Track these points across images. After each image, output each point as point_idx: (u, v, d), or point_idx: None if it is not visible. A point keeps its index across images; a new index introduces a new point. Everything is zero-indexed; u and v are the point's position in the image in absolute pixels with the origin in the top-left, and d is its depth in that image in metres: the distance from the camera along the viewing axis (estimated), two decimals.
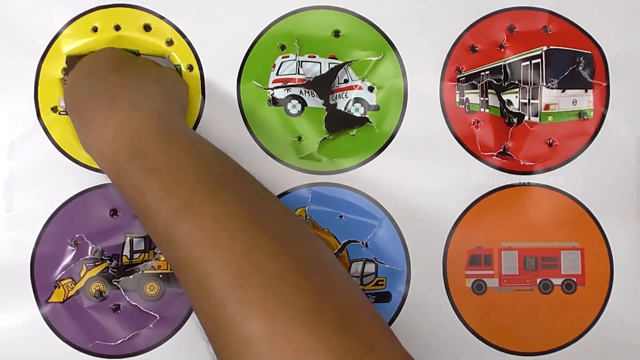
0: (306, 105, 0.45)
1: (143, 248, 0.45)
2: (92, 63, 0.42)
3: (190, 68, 0.45)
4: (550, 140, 0.45)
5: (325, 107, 0.45)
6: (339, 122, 0.45)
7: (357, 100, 0.45)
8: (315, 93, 0.45)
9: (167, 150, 0.34)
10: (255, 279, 0.29)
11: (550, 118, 0.45)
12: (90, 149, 0.38)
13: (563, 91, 0.44)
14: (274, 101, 0.45)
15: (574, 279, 0.44)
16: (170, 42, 0.45)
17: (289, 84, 0.45)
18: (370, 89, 0.45)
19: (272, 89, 0.45)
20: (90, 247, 0.44)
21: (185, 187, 0.33)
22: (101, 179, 0.45)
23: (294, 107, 0.45)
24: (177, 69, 0.45)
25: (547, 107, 0.44)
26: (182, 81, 0.45)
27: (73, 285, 0.44)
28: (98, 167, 0.45)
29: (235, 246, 0.30)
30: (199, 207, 0.32)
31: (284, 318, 0.28)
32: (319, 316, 0.29)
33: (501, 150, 0.45)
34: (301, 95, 0.45)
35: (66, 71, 0.44)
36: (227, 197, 0.33)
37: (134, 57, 0.44)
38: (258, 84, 0.45)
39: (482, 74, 0.45)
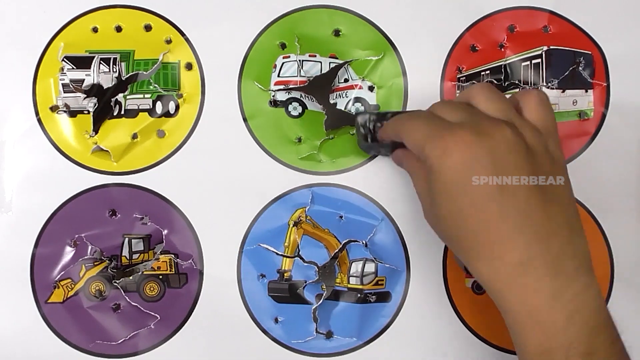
0: (307, 108, 0.45)
1: (142, 249, 0.44)
2: (497, 157, 0.32)
3: (189, 66, 0.45)
4: None
5: (324, 111, 0.45)
6: (339, 120, 0.45)
7: (357, 99, 0.45)
8: (314, 99, 0.45)
9: None
10: None
11: None
12: (516, 304, 0.33)
13: (563, 91, 0.44)
14: (275, 103, 0.45)
15: None
16: (169, 41, 0.45)
17: (290, 86, 0.44)
18: (371, 88, 0.45)
19: (274, 91, 0.45)
20: (89, 247, 0.44)
21: None
22: (100, 179, 0.45)
23: (294, 109, 0.45)
24: (175, 67, 0.45)
25: None
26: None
27: (72, 286, 0.44)
28: (96, 168, 0.45)
29: None
30: None
31: None
32: None
33: None
34: (302, 98, 0.45)
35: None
36: None
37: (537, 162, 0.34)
38: (259, 86, 0.45)
39: (482, 73, 0.45)
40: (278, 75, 0.45)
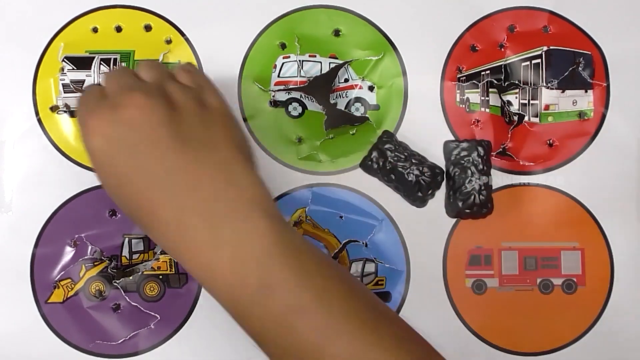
0: (307, 108, 0.45)
1: (142, 249, 0.44)
2: (128, 130, 0.32)
3: None
4: (551, 141, 0.45)
5: (324, 111, 0.45)
6: (339, 119, 0.45)
7: (357, 99, 0.45)
8: (314, 99, 0.45)
9: (306, 285, 0.31)
10: None
11: (550, 118, 0.45)
12: (190, 263, 0.32)
13: (563, 91, 0.44)
14: (275, 103, 0.45)
15: (575, 279, 0.44)
16: (169, 41, 0.45)
17: (290, 86, 0.44)
18: (371, 88, 0.45)
19: (274, 92, 0.45)
20: (89, 247, 0.44)
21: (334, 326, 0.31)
22: None
23: (294, 109, 0.45)
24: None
25: (547, 107, 0.44)
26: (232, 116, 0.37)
27: (72, 286, 0.44)
28: None
29: None
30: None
31: None
32: None
33: (501, 150, 0.45)
34: (302, 98, 0.45)
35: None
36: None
37: (178, 111, 0.33)
38: (260, 86, 0.45)
39: (482, 73, 0.45)
40: (278, 76, 0.45)
